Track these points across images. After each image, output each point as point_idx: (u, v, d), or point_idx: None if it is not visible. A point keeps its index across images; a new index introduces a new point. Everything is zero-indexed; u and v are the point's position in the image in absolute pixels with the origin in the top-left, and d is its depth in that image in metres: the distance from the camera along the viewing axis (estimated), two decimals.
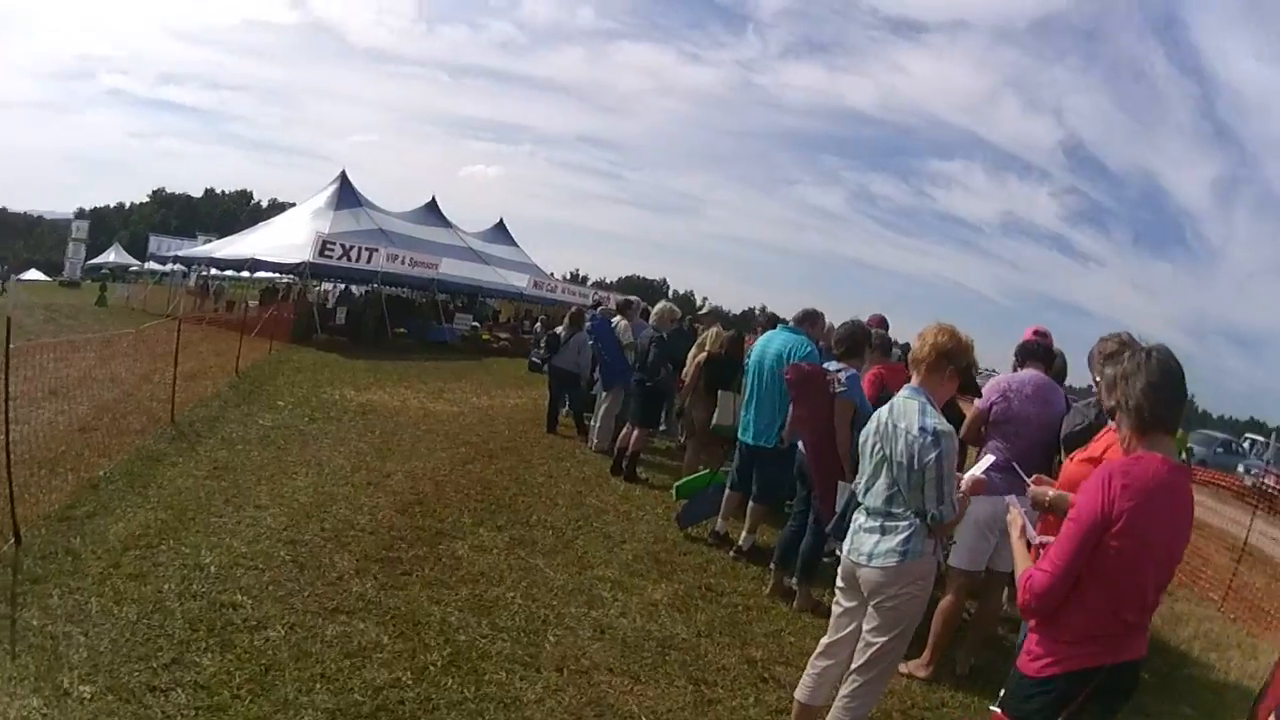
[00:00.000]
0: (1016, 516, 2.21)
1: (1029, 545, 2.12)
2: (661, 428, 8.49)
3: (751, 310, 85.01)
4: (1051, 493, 2.40)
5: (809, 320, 5.12)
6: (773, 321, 6.93)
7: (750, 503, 5.09)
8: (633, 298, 9.88)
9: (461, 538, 4.64)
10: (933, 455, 2.47)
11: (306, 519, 4.55)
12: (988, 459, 3.04)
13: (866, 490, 2.70)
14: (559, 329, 9.01)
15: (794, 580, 4.35)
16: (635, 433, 6.91)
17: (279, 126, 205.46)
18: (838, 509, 3.64)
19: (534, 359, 14.85)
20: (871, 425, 2.73)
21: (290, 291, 20.18)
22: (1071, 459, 2.68)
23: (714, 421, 6.10)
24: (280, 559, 3.91)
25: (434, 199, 23.90)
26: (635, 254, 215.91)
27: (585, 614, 3.79)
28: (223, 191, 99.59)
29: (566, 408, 9.00)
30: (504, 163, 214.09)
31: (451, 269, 19.91)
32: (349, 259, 16.83)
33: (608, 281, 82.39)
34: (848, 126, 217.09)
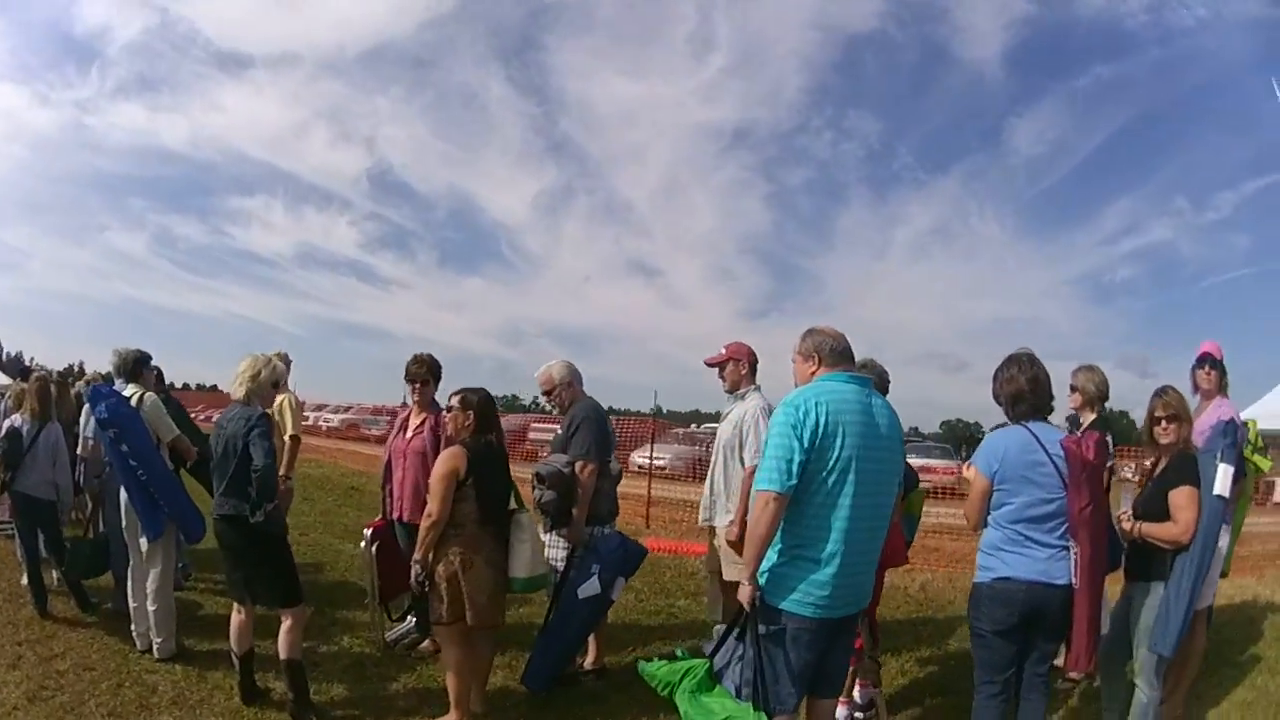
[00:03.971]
0: None
1: None
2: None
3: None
4: None
5: (862, 366, 3.04)
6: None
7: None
8: (143, 353, 4.59)
9: None
10: None
11: None
12: None
13: None
14: (16, 419, 4.79)
15: None
16: (287, 622, 3.45)
17: None
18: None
19: None
20: None
21: None
22: None
23: (523, 573, 3.36)
24: None
25: None
26: None
27: None
28: None
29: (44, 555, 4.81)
30: None
31: None
32: None
33: None
34: (157, 166, 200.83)
